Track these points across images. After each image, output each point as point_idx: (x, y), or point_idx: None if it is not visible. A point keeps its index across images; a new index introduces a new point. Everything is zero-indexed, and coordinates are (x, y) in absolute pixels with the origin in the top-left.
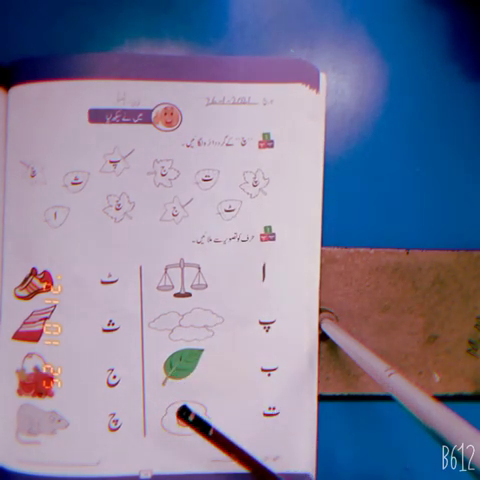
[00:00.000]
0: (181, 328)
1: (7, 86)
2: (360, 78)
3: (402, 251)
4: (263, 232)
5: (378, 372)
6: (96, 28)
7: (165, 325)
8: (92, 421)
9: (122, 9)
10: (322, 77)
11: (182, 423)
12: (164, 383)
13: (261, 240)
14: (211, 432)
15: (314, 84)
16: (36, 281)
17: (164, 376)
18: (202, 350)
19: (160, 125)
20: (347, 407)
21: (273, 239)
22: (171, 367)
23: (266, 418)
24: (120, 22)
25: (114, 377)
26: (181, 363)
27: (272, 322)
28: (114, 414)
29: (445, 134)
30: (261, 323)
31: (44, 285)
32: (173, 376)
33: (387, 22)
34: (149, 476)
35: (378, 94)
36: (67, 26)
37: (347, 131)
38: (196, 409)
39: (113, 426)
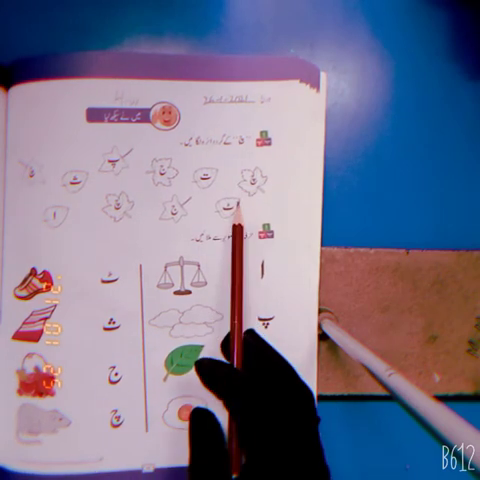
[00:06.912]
0: (181, 325)
1: (7, 86)
2: (361, 77)
3: (402, 251)
4: (261, 229)
5: (378, 372)
6: (96, 27)
7: (165, 322)
8: (94, 418)
9: (121, 8)
10: (322, 76)
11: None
12: (165, 379)
13: (260, 237)
14: None
15: (314, 83)
16: (36, 281)
17: (165, 372)
18: (202, 346)
19: (158, 124)
20: (347, 407)
21: (271, 236)
22: (172, 363)
23: None
24: (119, 21)
25: (116, 374)
26: (182, 359)
27: (271, 319)
28: (116, 410)
29: (445, 134)
30: (260, 319)
31: (44, 285)
32: (174, 372)
33: (388, 21)
34: (151, 470)
35: (379, 93)
36: (67, 25)
37: (347, 131)
38: (197, 404)
39: (115, 422)
